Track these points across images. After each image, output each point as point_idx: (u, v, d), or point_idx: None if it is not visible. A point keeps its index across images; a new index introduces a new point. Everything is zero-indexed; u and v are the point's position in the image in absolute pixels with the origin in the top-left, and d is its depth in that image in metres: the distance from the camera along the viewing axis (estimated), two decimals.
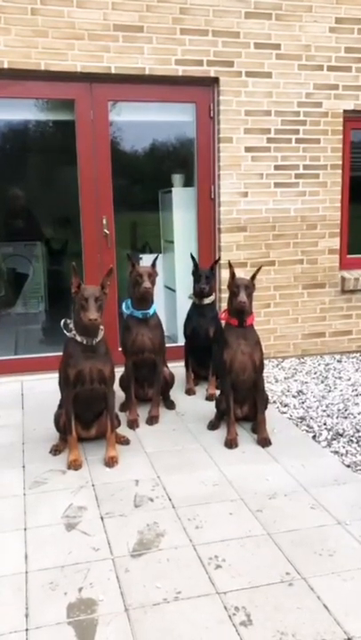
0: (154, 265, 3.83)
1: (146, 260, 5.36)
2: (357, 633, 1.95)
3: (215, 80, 4.77)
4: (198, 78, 4.73)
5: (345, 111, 5.09)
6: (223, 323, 3.67)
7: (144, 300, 3.77)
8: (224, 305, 4.99)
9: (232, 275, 3.50)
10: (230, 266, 3.55)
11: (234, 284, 3.46)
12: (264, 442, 3.45)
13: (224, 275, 5.02)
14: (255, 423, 3.59)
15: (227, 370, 3.47)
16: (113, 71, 4.51)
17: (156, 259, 3.89)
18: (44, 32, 4.33)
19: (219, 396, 3.76)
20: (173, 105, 4.97)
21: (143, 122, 5.42)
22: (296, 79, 4.92)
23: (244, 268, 5.03)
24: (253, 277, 3.53)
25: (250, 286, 3.46)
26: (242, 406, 3.66)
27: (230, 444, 3.43)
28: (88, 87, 4.60)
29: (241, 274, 4.99)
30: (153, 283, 3.77)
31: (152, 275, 3.76)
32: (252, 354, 3.46)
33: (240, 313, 3.43)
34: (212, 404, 3.85)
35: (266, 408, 3.58)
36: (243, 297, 3.37)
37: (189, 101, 4.88)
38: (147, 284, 3.68)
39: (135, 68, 4.55)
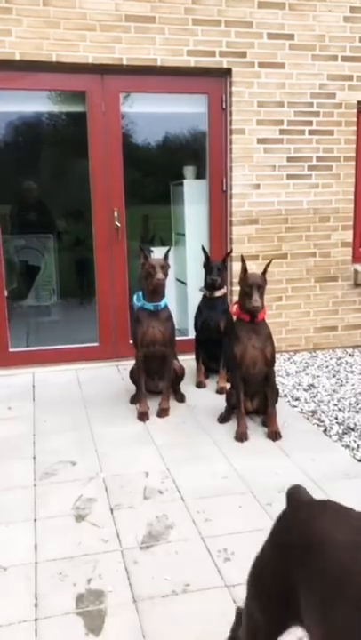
0: (166, 257, 3.82)
1: (157, 253, 5.35)
2: None
3: (228, 71, 4.73)
4: (211, 69, 4.69)
5: (359, 102, 5.02)
6: (234, 317, 3.64)
7: (156, 292, 3.76)
8: (235, 297, 4.97)
9: (244, 270, 3.47)
10: (243, 261, 3.51)
11: (246, 282, 3.41)
12: (274, 435, 3.43)
13: (235, 267, 5.00)
14: (265, 416, 3.58)
15: (237, 364, 3.46)
16: (125, 62, 4.49)
17: (168, 251, 3.87)
18: (56, 23, 4.32)
19: (229, 390, 3.75)
20: (185, 96, 4.94)
21: (155, 113, 5.40)
22: (310, 70, 4.87)
23: (255, 261, 5.00)
24: (265, 272, 3.49)
25: (262, 285, 3.41)
26: (252, 399, 3.65)
27: (241, 437, 3.42)
28: (100, 79, 4.59)
29: (253, 267, 4.97)
30: (166, 275, 3.76)
31: (165, 267, 3.75)
32: (264, 348, 3.44)
33: (252, 312, 3.40)
34: (223, 398, 3.84)
35: (276, 402, 3.57)
36: (256, 299, 3.33)
37: (201, 93, 4.85)
38: (160, 275, 3.67)
39: (147, 59, 4.52)
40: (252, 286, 3.36)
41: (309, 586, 1.16)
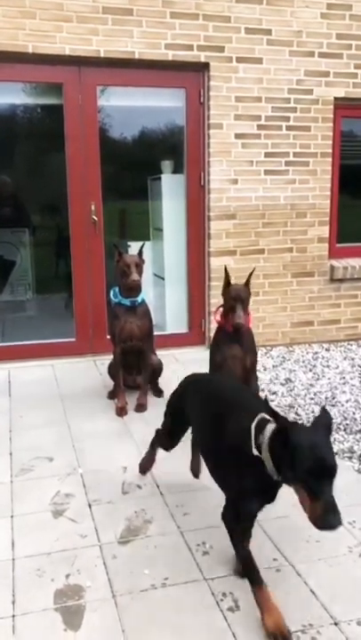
0: (140, 254, 3.79)
1: (134, 247, 5.33)
2: (344, 617, 1.97)
3: (205, 65, 4.72)
4: (188, 63, 4.67)
5: (336, 98, 5.06)
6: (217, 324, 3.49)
7: (132, 290, 3.74)
8: (213, 301, 4.98)
9: (227, 283, 3.33)
10: (226, 272, 3.36)
11: (229, 295, 3.28)
12: None
13: (214, 263, 5.01)
14: None
15: (216, 371, 3.38)
16: (102, 55, 4.45)
17: (142, 247, 3.83)
18: (32, 13, 4.25)
19: None
20: (163, 90, 4.92)
21: (132, 107, 5.36)
22: (287, 65, 4.88)
23: (233, 256, 5.02)
24: (248, 283, 3.35)
25: (246, 298, 3.28)
26: None
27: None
28: (76, 71, 4.53)
29: (230, 262, 5.00)
30: (140, 272, 3.73)
31: (139, 264, 3.72)
32: (244, 359, 3.32)
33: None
34: None
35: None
36: (239, 316, 3.20)
37: (179, 87, 4.83)
38: (135, 276, 3.63)
39: (124, 51, 4.49)
40: (236, 300, 3.24)
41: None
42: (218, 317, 3.45)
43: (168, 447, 2.76)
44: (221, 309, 3.42)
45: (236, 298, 3.26)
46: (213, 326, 5.04)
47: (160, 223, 5.42)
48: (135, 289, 3.73)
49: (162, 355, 4.25)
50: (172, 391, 2.69)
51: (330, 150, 5.14)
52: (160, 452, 3.20)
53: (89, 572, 2.21)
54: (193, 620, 1.96)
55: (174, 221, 5.22)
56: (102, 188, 4.77)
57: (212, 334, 5.01)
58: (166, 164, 5.35)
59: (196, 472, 2.83)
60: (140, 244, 3.91)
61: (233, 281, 3.38)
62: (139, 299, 3.80)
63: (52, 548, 2.34)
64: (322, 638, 1.88)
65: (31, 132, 6.47)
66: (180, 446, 3.27)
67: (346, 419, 3.71)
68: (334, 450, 3.21)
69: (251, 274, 3.46)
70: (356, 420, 3.70)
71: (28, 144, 6.70)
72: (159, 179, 5.35)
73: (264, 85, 4.86)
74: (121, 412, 3.74)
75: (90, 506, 2.66)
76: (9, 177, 6.15)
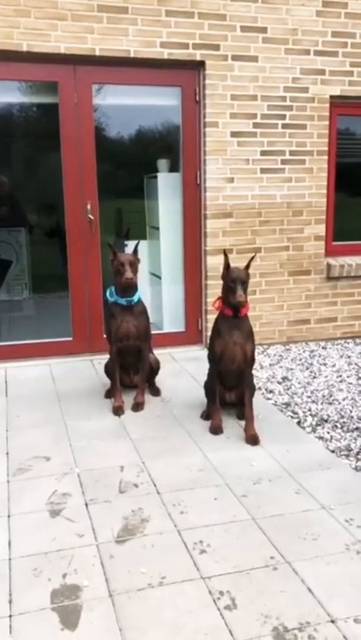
0: (135, 252, 3.78)
1: (131, 246, 5.32)
2: (340, 615, 1.97)
3: (201, 63, 4.71)
4: (184, 61, 4.66)
5: (331, 97, 5.06)
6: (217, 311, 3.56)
7: (127, 289, 3.73)
8: (213, 292, 4.99)
9: (227, 265, 3.39)
10: (225, 255, 3.43)
11: (229, 277, 3.32)
12: (253, 440, 3.29)
13: (210, 262, 5.01)
14: (239, 408, 3.59)
15: (216, 359, 3.44)
16: (97, 53, 4.43)
17: (137, 245, 3.83)
18: (27, 12, 4.24)
19: (206, 384, 3.72)
20: (159, 89, 4.90)
21: (128, 106, 5.34)
22: (283, 64, 4.88)
23: (230, 255, 5.00)
24: (248, 267, 3.39)
25: (246, 280, 3.31)
26: (230, 392, 3.64)
27: (215, 430, 3.42)
28: (72, 69, 4.52)
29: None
30: (135, 271, 3.72)
31: (134, 263, 3.71)
32: (245, 345, 3.39)
33: (236, 307, 3.35)
34: (198, 390, 3.84)
35: (253, 396, 3.57)
36: (240, 294, 3.24)
37: (175, 85, 4.82)
38: (128, 273, 3.63)
39: (120, 50, 4.48)
40: (236, 281, 3.27)
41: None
42: (217, 305, 3.47)
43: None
44: (221, 298, 3.44)
45: (236, 279, 3.28)
46: (210, 325, 5.06)
47: (156, 222, 5.41)
48: (130, 287, 3.72)
49: (158, 353, 4.24)
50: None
51: (326, 148, 5.14)
52: (157, 450, 3.21)
53: (86, 571, 2.20)
54: (190, 618, 1.96)
55: (171, 220, 5.22)
56: (98, 187, 4.76)
57: (209, 333, 5.06)
58: (162, 163, 5.34)
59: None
60: (135, 242, 3.90)
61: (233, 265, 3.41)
62: (135, 298, 3.80)
63: (49, 548, 2.34)
64: (319, 636, 1.88)
65: (27, 131, 6.47)
66: (177, 448, 3.28)
67: (343, 417, 3.71)
68: (331, 448, 3.25)
69: (252, 258, 3.54)
70: (352, 417, 3.70)
71: (24, 143, 6.69)
72: (155, 177, 5.34)
73: (260, 83, 4.86)
74: (118, 411, 3.74)
75: (87, 505, 2.66)
76: (5, 176, 6.15)
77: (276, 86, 4.90)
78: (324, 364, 4.78)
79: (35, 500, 2.70)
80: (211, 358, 3.54)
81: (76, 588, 2.11)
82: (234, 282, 3.29)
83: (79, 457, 3.13)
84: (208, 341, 3.56)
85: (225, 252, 3.51)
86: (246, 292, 3.34)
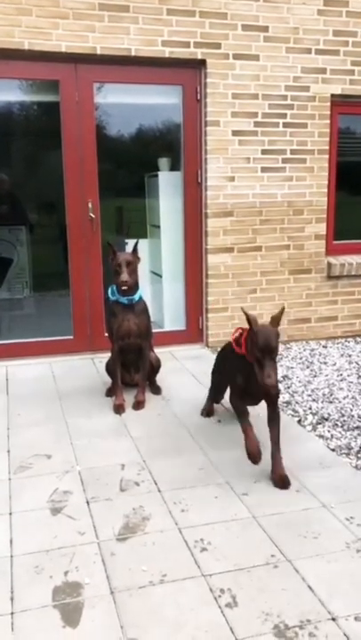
0: (135, 251, 3.78)
1: (131, 245, 5.32)
2: (341, 613, 1.97)
3: (202, 62, 4.71)
4: (185, 60, 4.66)
5: (333, 95, 5.06)
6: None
7: (125, 289, 3.72)
8: (216, 292, 4.97)
9: (250, 324, 2.72)
10: (246, 315, 2.75)
11: (257, 345, 2.62)
12: (282, 482, 2.79)
13: (211, 261, 5.01)
14: (271, 458, 2.95)
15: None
16: (98, 52, 4.43)
17: (136, 244, 3.81)
18: (28, 10, 4.24)
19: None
20: (160, 87, 4.90)
21: (129, 104, 5.35)
22: (284, 62, 4.88)
23: (230, 254, 5.03)
24: (277, 321, 2.74)
25: (276, 347, 2.63)
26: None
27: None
28: (73, 68, 4.52)
29: (227, 259, 5.01)
30: (134, 270, 3.71)
31: (132, 262, 3.68)
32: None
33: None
34: (199, 389, 3.85)
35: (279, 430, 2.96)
36: (270, 375, 2.56)
37: (176, 84, 4.82)
38: (124, 276, 3.61)
39: (121, 48, 4.48)
40: (264, 352, 2.59)
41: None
42: (235, 338, 2.96)
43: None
44: (241, 332, 2.95)
45: (265, 349, 2.58)
46: (211, 324, 5.09)
47: (157, 220, 5.42)
48: (128, 289, 3.71)
49: (159, 352, 4.25)
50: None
51: (327, 147, 5.14)
52: (157, 449, 3.22)
53: (87, 568, 2.21)
54: (190, 616, 1.96)
55: (171, 219, 5.22)
56: (99, 186, 4.76)
57: (209, 332, 5.08)
58: (163, 162, 5.35)
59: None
60: (135, 241, 3.90)
61: (260, 322, 2.75)
62: (136, 296, 3.80)
63: (50, 545, 2.35)
64: (320, 634, 1.89)
65: (28, 130, 6.45)
66: (178, 447, 3.28)
67: (343, 415, 3.71)
68: (331, 446, 3.25)
69: (282, 310, 2.82)
70: (353, 416, 3.71)
71: (25, 141, 6.68)
72: (156, 176, 5.34)
73: (261, 82, 4.86)
74: (119, 409, 3.74)
75: (88, 503, 2.67)
76: (6, 174, 6.15)
77: (277, 85, 4.90)
78: (325, 363, 4.79)
79: (36, 497, 2.71)
80: (215, 375, 3.61)
81: (77, 585, 2.12)
82: (262, 352, 2.59)
83: (80, 455, 3.14)
84: (218, 354, 3.56)
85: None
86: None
